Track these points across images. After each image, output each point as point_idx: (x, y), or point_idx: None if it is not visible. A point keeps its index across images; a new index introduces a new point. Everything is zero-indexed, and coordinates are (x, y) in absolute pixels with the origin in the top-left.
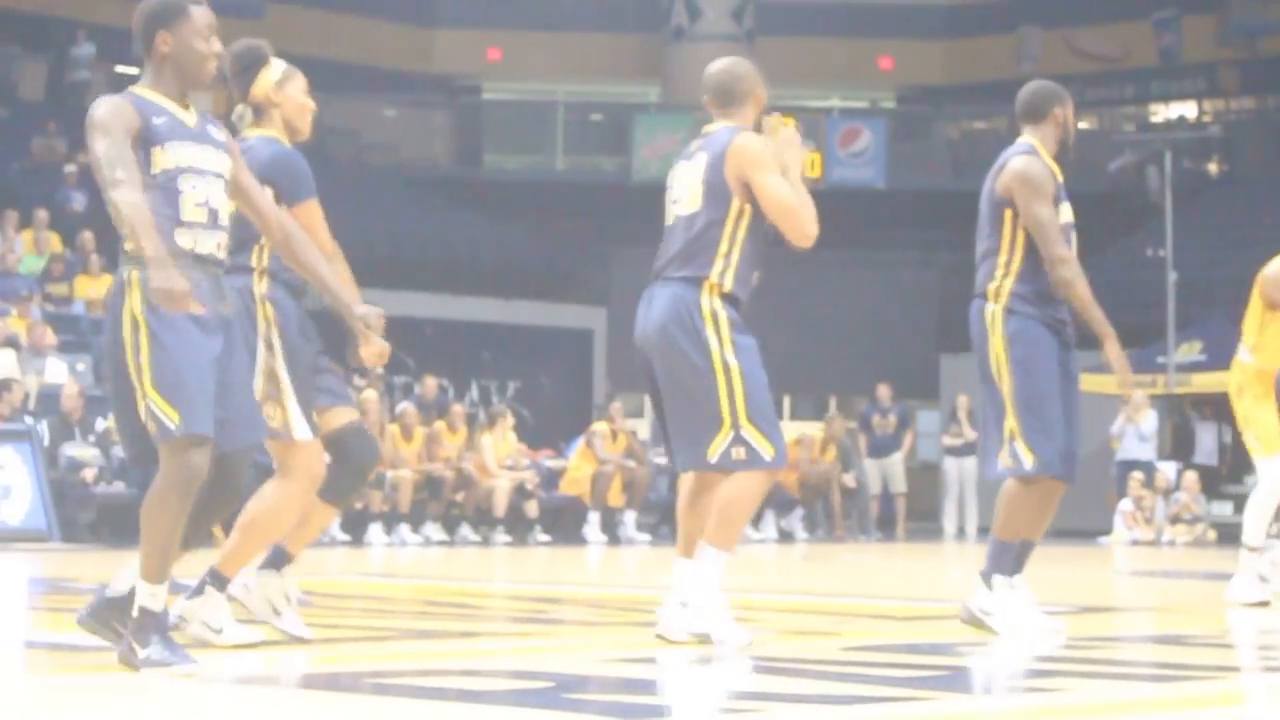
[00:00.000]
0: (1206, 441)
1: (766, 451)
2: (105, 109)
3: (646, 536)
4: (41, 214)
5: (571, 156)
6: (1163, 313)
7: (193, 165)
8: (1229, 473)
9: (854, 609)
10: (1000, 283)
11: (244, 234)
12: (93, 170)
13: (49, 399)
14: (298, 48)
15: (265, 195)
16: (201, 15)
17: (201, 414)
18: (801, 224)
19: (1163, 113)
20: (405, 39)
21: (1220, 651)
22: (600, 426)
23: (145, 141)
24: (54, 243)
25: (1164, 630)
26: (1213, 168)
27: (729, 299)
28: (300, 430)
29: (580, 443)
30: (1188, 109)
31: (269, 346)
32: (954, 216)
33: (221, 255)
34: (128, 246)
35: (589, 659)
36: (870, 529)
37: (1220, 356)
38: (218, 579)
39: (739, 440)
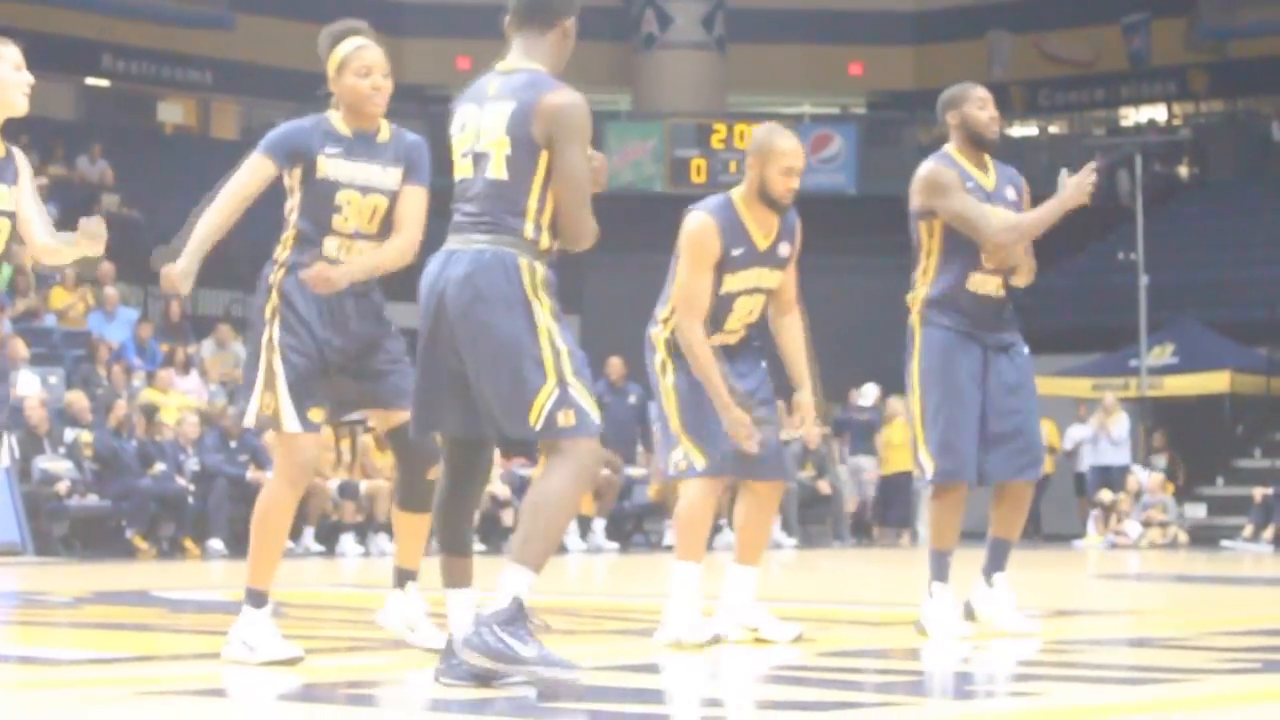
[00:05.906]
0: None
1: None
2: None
3: (615, 545)
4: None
5: None
6: (1134, 316)
7: None
8: (1200, 476)
9: (829, 614)
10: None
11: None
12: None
13: (19, 412)
14: (267, 58)
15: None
16: None
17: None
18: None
19: (1133, 116)
20: None
21: (1192, 654)
22: None
23: None
24: (24, 255)
25: (1137, 633)
26: (1183, 171)
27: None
28: (290, 422)
29: None
30: (1158, 112)
31: (269, 340)
32: None
33: None
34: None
35: None
36: (845, 534)
37: (1192, 359)
38: (253, 595)
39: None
